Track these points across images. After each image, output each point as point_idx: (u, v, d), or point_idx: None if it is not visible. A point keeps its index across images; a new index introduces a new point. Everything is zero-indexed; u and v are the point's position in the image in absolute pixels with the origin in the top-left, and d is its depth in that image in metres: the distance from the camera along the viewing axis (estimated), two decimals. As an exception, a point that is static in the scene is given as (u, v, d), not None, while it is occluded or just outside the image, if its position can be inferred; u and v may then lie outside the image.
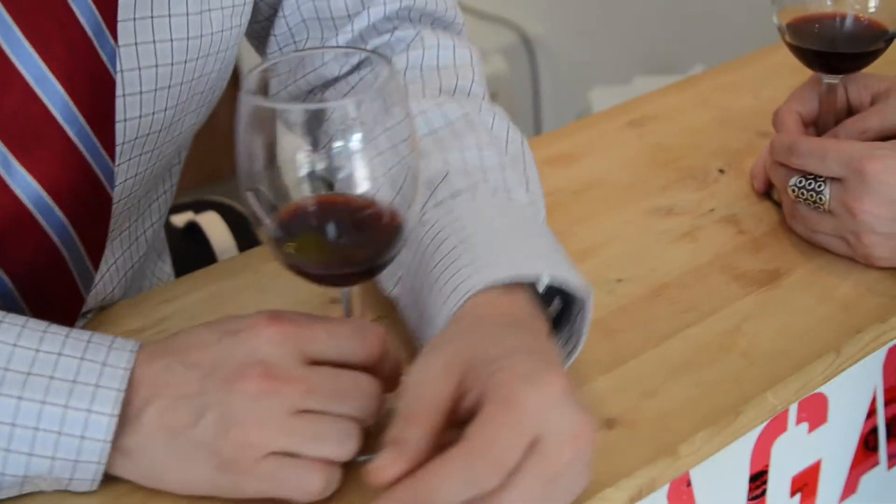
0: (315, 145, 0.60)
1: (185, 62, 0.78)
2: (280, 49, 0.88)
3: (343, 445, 0.63)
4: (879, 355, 0.88)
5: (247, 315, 0.67)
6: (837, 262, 0.86)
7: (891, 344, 0.83)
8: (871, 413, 0.90)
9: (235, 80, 0.84)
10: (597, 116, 1.12)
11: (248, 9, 0.83)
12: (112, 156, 0.75)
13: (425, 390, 0.58)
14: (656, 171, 1.00)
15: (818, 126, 0.92)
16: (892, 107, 0.89)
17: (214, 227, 1.21)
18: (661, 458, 0.69)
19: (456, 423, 0.58)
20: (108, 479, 0.65)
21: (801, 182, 0.86)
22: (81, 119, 0.71)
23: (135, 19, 0.74)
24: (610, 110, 1.12)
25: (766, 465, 0.83)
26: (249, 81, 0.61)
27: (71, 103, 0.70)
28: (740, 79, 1.15)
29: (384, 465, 0.56)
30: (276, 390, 0.62)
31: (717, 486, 0.80)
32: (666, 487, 0.75)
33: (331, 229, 0.63)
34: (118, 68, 0.74)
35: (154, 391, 0.64)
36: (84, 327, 0.80)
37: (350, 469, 0.65)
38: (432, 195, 0.73)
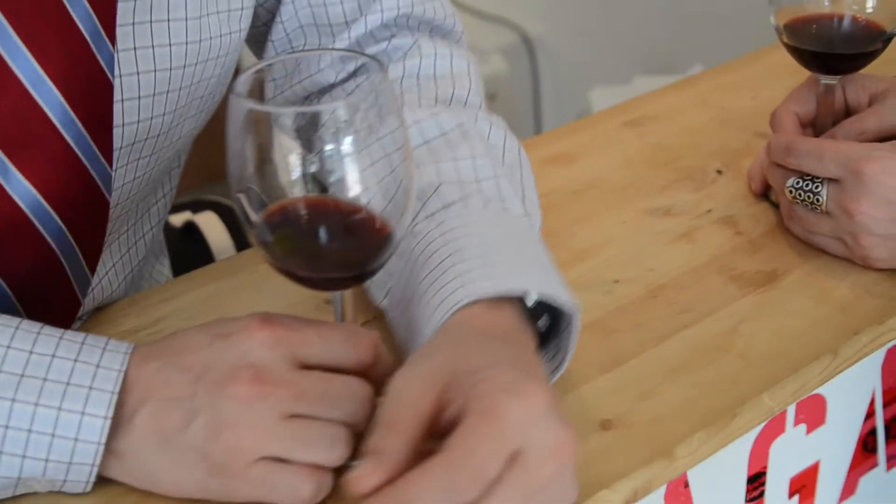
0: (309, 149, 0.60)
1: (184, 67, 0.77)
2: (277, 55, 0.88)
3: (333, 451, 0.62)
4: (878, 356, 0.88)
5: (239, 318, 0.66)
6: (835, 264, 0.86)
7: (889, 345, 0.83)
8: (870, 414, 0.90)
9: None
10: (596, 116, 1.12)
11: (249, 13, 0.83)
12: (109, 160, 0.74)
13: (406, 400, 0.58)
14: (655, 171, 1.00)
15: (816, 127, 0.92)
16: (890, 108, 0.89)
17: (212, 227, 1.21)
18: (657, 460, 0.69)
19: (438, 435, 0.57)
20: (102, 481, 0.65)
21: (798, 183, 0.85)
22: (78, 123, 0.71)
23: (133, 24, 0.74)
24: (609, 110, 1.12)
25: (765, 467, 0.83)
26: (240, 84, 0.60)
27: (68, 107, 0.70)
28: (739, 79, 1.15)
29: (363, 476, 0.55)
30: (267, 394, 0.62)
31: (714, 487, 0.80)
32: (663, 489, 0.75)
33: (319, 233, 0.62)
34: (116, 73, 0.73)
35: (147, 394, 0.63)
36: (80, 327, 0.80)
37: (342, 474, 0.64)
38: (423, 207, 0.73)
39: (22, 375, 0.63)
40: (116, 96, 0.74)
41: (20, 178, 0.70)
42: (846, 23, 0.87)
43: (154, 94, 0.77)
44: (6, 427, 0.62)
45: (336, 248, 0.62)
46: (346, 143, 0.60)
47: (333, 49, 0.86)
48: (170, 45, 0.76)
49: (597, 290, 0.84)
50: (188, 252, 1.17)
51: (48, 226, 0.72)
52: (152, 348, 0.66)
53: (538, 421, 0.57)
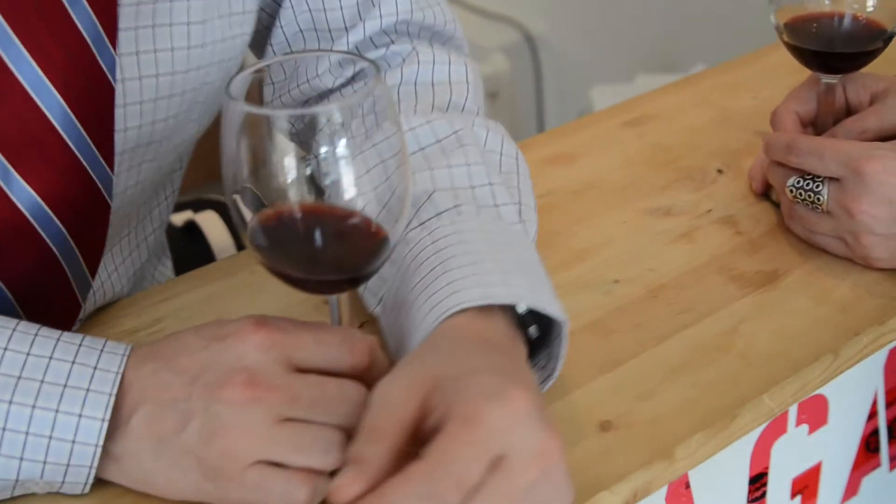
0: (304, 153, 0.60)
1: (187, 71, 0.77)
2: (273, 57, 0.88)
3: (328, 455, 0.62)
4: (880, 357, 0.88)
5: (234, 320, 0.66)
6: (836, 264, 0.86)
7: (891, 346, 0.83)
8: (873, 415, 0.90)
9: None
10: (596, 115, 1.12)
11: (252, 17, 0.83)
12: (111, 164, 0.74)
13: (388, 407, 0.57)
14: (655, 170, 0.99)
15: (816, 126, 0.92)
16: (891, 107, 0.88)
17: (213, 226, 1.21)
18: (657, 461, 0.69)
19: (421, 442, 0.57)
20: (100, 482, 0.65)
21: (798, 182, 0.85)
22: (80, 127, 0.71)
23: (136, 28, 0.74)
24: (609, 109, 1.11)
25: (766, 467, 0.83)
26: (234, 87, 0.60)
27: (69, 112, 0.70)
28: (740, 78, 1.14)
29: (344, 484, 0.55)
30: (260, 398, 0.62)
31: (716, 488, 0.79)
32: (664, 490, 0.75)
33: (313, 236, 0.62)
34: (118, 77, 0.73)
35: (142, 396, 0.63)
36: (79, 328, 0.80)
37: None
38: (416, 214, 0.73)
39: (19, 378, 0.63)
40: (119, 101, 0.74)
41: (21, 183, 0.70)
42: (847, 21, 0.87)
43: (156, 99, 0.76)
44: (3, 429, 0.62)
45: (330, 252, 0.62)
46: (341, 147, 0.59)
47: (330, 51, 0.86)
48: (172, 49, 0.76)
49: (597, 290, 0.84)
50: (189, 251, 1.17)
51: (49, 229, 0.72)
52: (149, 350, 0.66)
53: (520, 425, 0.56)
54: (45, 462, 0.63)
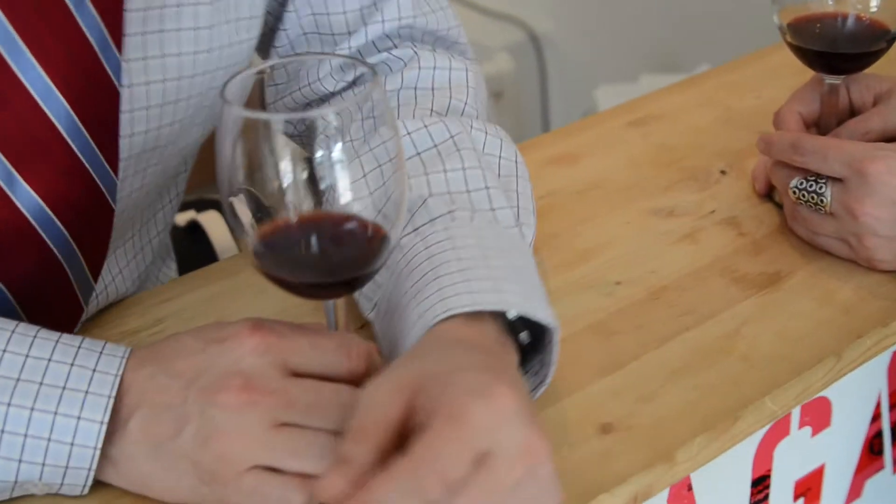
0: (300, 157, 0.60)
1: (194, 76, 0.77)
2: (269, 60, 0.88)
3: (323, 460, 0.61)
4: (884, 359, 0.88)
5: (232, 323, 0.66)
6: (839, 265, 0.85)
7: (894, 348, 0.83)
8: (876, 417, 0.90)
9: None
10: (600, 116, 1.12)
11: (259, 22, 0.83)
12: (115, 169, 0.74)
13: (374, 408, 0.57)
14: (658, 171, 0.99)
15: (820, 127, 0.91)
16: (895, 107, 0.88)
17: (216, 226, 1.21)
18: (658, 464, 0.69)
19: (409, 441, 0.57)
20: (99, 483, 0.65)
21: (801, 184, 0.85)
22: (85, 132, 0.71)
23: (144, 33, 0.74)
24: (613, 109, 1.11)
25: (769, 470, 0.82)
26: (229, 91, 0.60)
27: (74, 117, 0.70)
28: (743, 78, 1.14)
29: (329, 483, 0.55)
30: (256, 402, 0.62)
31: (718, 490, 0.79)
32: (666, 492, 0.75)
33: (309, 243, 0.62)
34: (125, 82, 0.73)
35: (140, 399, 0.63)
36: (80, 328, 0.80)
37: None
38: (411, 220, 0.73)
39: (18, 379, 0.63)
40: (125, 106, 0.74)
41: (25, 187, 0.69)
42: (850, 22, 0.86)
43: (163, 104, 0.77)
44: (2, 431, 0.62)
45: (325, 259, 0.62)
46: (337, 151, 0.59)
47: (330, 55, 0.86)
48: (180, 54, 0.76)
49: (598, 291, 0.83)
50: (192, 251, 1.17)
51: (51, 233, 0.72)
52: (147, 353, 0.66)
53: (505, 423, 0.56)
54: (43, 464, 0.63)
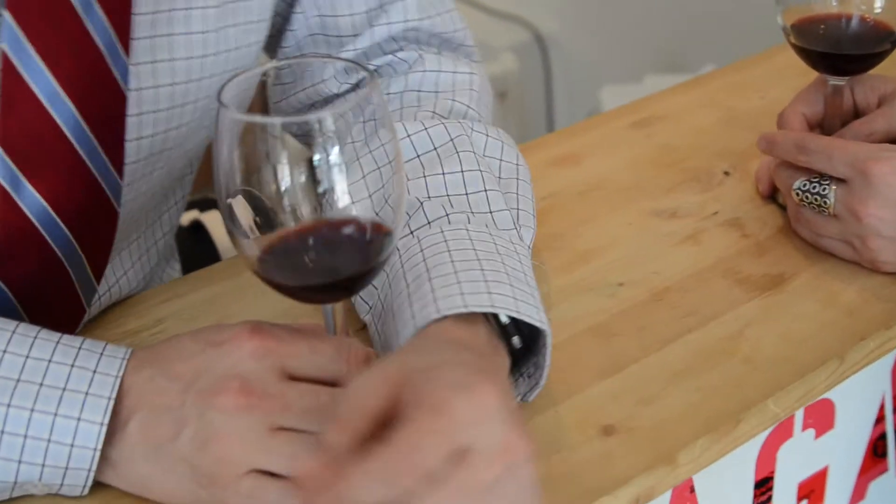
0: (298, 159, 0.60)
1: (202, 79, 0.77)
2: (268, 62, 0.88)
3: None
4: (888, 361, 0.87)
5: (231, 326, 0.66)
6: (842, 267, 0.85)
7: (897, 350, 0.82)
8: (880, 419, 0.90)
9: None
10: (603, 116, 1.12)
11: (266, 24, 0.83)
12: (120, 172, 0.74)
13: (358, 399, 0.56)
14: (661, 172, 0.99)
15: (824, 128, 0.91)
16: (900, 109, 0.88)
17: (219, 225, 1.21)
18: (660, 466, 0.68)
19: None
20: (99, 485, 0.65)
21: (805, 185, 0.84)
22: (91, 136, 0.71)
23: (152, 37, 0.74)
24: (617, 110, 1.11)
25: (772, 472, 0.82)
26: (226, 95, 0.60)
27: (81, 120, 0.70)
28: (747, 79, 1.14)
29: (307, 468, 0.55)
30: (253, 406, 0.62)
31: (721, 492, 0.79)
32: (668, 494, 0.74)
33: (306, 248, 0.61)
34: (134, 86, 0.73)
35: (139, 401, 0.63)
36: (82, 327, 0.79)
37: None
38: (408, 222, 0.73)
39: (18, 380, 0.63)
40: (133, 110, 0.74)
41: (31, 190, 0.69)
42: (854, 23, 0.86)
43: (171, 108, 0.77)
44: (2, 432, 0.62)
45: (323, 264, 0.62)
46: (335, 154, 0.59)
47: (332, 57, 0.86)
48: (189, 58, 0.76)
49: (600, 292, 0.83)
50: (195, 251, 1.17)
51: (56, 236, 0.72)
52: (146, 354, 0.66)
53: (486, 418, 0.55)
54: (43, 465, 0.63)
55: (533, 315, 0.67)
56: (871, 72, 0.89)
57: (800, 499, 0.86)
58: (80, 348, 0.65)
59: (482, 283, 0.67)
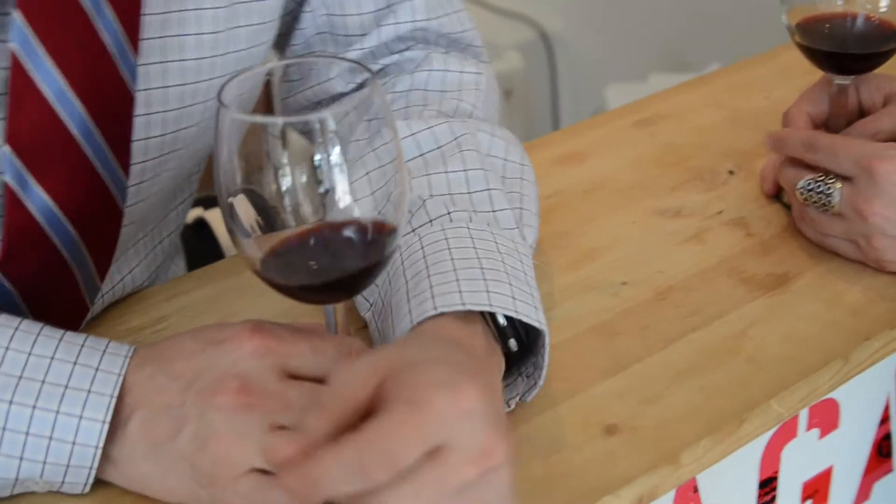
0: (299, 159, 0.59)
1: (212, 79, 0.77)
2: (265, 62, 0.88)
3: None
4: (892, 361, 0.87)
5: (232, 324, 0.66)
6: (847, 267, 0.85)
7: (902, 350, 0.82)
8: (885, 419, 0.89)
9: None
10: (607, 115, 1.11)
11: (276, 24, 0.83)
12: (126, 172, 0.74)
13: (341, 385, 0.56)
14: (665, 171, 0.99)
15: (829, 128, 0.91)
16: (905, 108, 0.87)
17: (222, 223, 1.20)
18: (663, 466, 0.68)
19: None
20: (100, 483, 0.65)
21: (809, 184, 0.84)
22: (98, 137, 0.71)
23: (162, 37, 0.74)
24: (621, 109, 1.11)
25: (776, 471, 0.82)
26: (226, 95, 0.59)
27: (89, 121, 0.70)
28: (752, 78, 1.14)
29: (280, 448, 0.54)
30: (253, 405, 0.61)
31: (725, 491, 0.79)
32: (672, 493, 0.74)
33: (308, 250, 0.61)
34: (143, 86, 0.73)
35: (139, 400, 0.63)
36: (85, 324, 0.79)
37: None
38: (410, 220, 0.73)
39: (20, 377, 0.63)
40: (140, 110, 0.74)
41: (37, 190, 0.69)
42: (859, 22, 0.86)
43: (181, 108, 0.77)
44: (3, 429, 0.62)
45: (325, 266, 0.61)
46: (336, 154, 0.59)
47: (331, 56, 0.86)
48: (198, 58, 0.76)
49: (604, 291, 0.83)
50: (199, 248, 1.17)
51: (60, 235, 0.72)
52: (148, 352, 0.66)
53: (466, 418, 0.55)
54: (44, 462, 0.62)
55: (531, 315, 0.67)
56: (877, 71, 0.89)
57: (804, 499, 0.86)
58: (82, 346, 0.65)
59: (481, 282, 0.67)
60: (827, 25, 0.87)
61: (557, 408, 0.72)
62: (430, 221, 0.72)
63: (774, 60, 1.17)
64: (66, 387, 0.63)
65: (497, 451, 0.55)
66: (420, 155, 0.77)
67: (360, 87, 0.86)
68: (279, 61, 0.86)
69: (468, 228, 0.72)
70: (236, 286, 0.85)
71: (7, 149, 0.67)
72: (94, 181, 0.72)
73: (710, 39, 2.27)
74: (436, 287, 0.66)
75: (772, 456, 0.81)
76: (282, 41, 0.90)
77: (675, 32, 2.36)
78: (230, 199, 0.60)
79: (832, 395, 0.80)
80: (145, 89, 0.74)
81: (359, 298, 0.75)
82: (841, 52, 0.87)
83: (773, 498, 0.83)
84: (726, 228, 0.90)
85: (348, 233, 0.61)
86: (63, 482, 0.64)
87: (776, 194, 0.93)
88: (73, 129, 0.69)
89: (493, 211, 0.74)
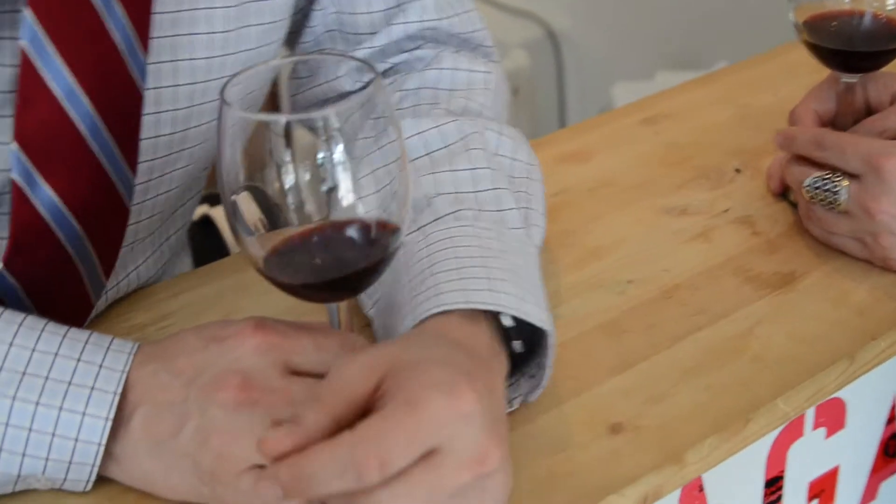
0: (302, 157, 0.59)
1: (222, 78, 0.77)
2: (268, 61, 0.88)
3: None
4: (899, 360, 0.87)
5: (235, 321, 0.66)
6: (854, 266, 0.84)
7: (909, 350, 0.81)
8: (891, 419, 0.89)
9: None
10: (613, 113, 1.11)
11: (286, 22, 0.83)
12: (134, 171, 0.74)
13: (340, 380, 0.56)
14: (671, 169, 0.98)
15: (836, 126, 0.90)
16: (913, 106, 0.87)
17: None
18: (668, 465, 0.68)
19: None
20: (102, 480, 0.65)
21: (816, 182, 0.84)
22: (106, 135, 0.71)
23: (172, 36, 0.73)
24: (627, 107, 1.11)
25: (782, 471, 0.82)
26: (229, 93, 0.59)
27: (97, 119, 0.70)
28: (759, 76, 1.13)
29: (274, 440, 0.54)
30: (255, 402, 0.61)
31: (730, 491, 0.78)
32: (678, 492, 0.74)
33: (312, 250, 0.61)
34: (153, 85, 0.73)
35: (142, 397, 0.63)
36: (89, 321, 0.79)
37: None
38: (416, 218, 0.73)
39: (24, 373, 0.63)
40: (150, 109, 0.74)
41: (44, 188, 0.69)
42: (866, 20, 0.85)
43: (191, 106, 0.77)
44: (6, 425, 0.62)
45: (328, 265, 0.61)
46: (339, 152, 0.58)
47: (338, 54, 0.86)
48: (208, 57, 0.76)
49: (610, 290, 0.83)
50: (204, 245, 1.17)
51: (67, 232, 0.72)
52: (151, 349, 0.65)
53: (462, 422, 0.55)
54: (47, 459, 0.62)
55: (537, 316, 0.67)
56: (884, 69, 0.89)
57: (810, 498, 0.86)
58: (86, 342, 0.64)
59: (485, 281, 0.67)
60: (834, 23, 0.86)
61: (562, 406, 0.72)
62: (436, 219, 0.72)
63: (781, 58, 1.16)
64: (70, 383, 0.63)
65: (492, 456, 0.55)
66: (427, 153, 0.77)
67: (368, 85, 0.86)
68: (283, 59, 0.86)
69: (474, 227, 0.71)
70: (240, 283, 0.85)
71: (15, 146, 0.67)
72: (101, 179, 0.72)
73: (716, 37, 2.26)
74: (441, 285, 0.66)
75: (778, 455, 0.81)
76: (291, 38, 0.90)
77: (681, 30, 2.36)
78: (233, 198, 0.59)
79: (839, 394, 0.80)
80: (155, 88, 0.74)
81: (362, 296, 0.75)
82: (848, 49, 0.87)
83: (779, 497, 0.83)
84: (732, 227, 0.90)
85: (351, 231, 0.60)
86: (65, 479, 0.63)
87: (783, 193, 0.93)
88: (81, 127, 0.69)
89: (500, 210, 0.74)
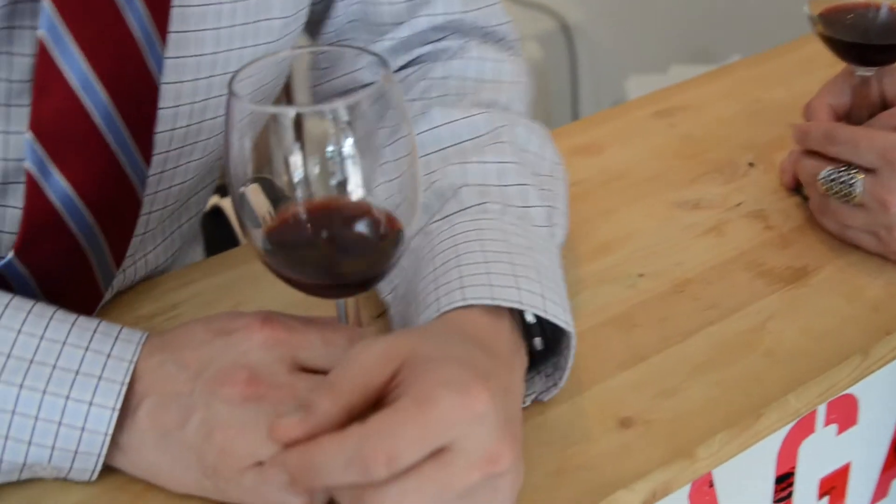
0: (312, 151, 0.59)
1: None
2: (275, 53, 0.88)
3: None
4: (913, 356, 0.86)
5: (244, 314, 0.65)
6: (868, 261, 0.84)
7: (923, 346, 0.81)
8: (904, 416, 0.88)
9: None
10: (626, 106, 1.11)
11: (304, 13, 0.83)
12: (148, 162, 0.74)
13: (355, 367, 0.56)
14: (684, 162, 0.98)
15: (851, 119, 0.90)
16: (928, 100, 0.86)
17: (238, 211, 1.20)
18: (678, 460, 0.67)
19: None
20: (107, 470, 0.64)
21: (832, 175, 0.83)
22: (121, 126, 0.71)
23: (190, 31, 0.73)
24: (640, 99, 1.10)
25: (793, 467, 0.81)
26: (238, 85, 0.59)
27: (113, 110, 0.70)
28: (772, 70, 1.13)
29: (285, 427, 0.54)
30: (260, 397, 0.61)
31: (741, 487, 0.78)
32: (687, 487, 0.73)
33: (320, 246, 0.60)
34: (172, 78, 0.73)
35: (149, 388, 0.63)
36: (98, 310, 0.79)
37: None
38: (441, 207, 0.72)
39: (31, 361, 0.62)
40: (169, 102, 0.74)
41: (58, 177, 0.69)
42: (882, 13, 0.85)
43: (207, 99, 0.77)
44: (13, 412, 0.62)
45: (337, 262, 0.61)
46: (349, 146, 0.58)
47: (356, 48, 0.86)
48: (227, 50, 0.76)
49: (621, 283, 0.82)
50: (214, 235, 1.17)
51: (78, 222, 0.72)
52: (159, 340, 0.65)
53: (474, 422, 0.54)
54: (53, 447, 0.62)
55: (560, 316, 0.66)
56: (901, 63, 0.88)
57: (821, 495, 0.85)
58: (95, 331, 0.64)
59: (511, 277, 0.66)
60: (850, 16, 0.86)
61: (573, 400, 0.71)
62: (463, 210, 0.71)
63: (796, 52, 1.16)
64: (78, 372, 0.62)
65: (504, 457, 0.55)
66: (456, 143, 0.76)
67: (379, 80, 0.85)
68: (293, 50, 0.85)
69: (501, 221, 0.71)
70: (250, 274, 0.85)
71: (30, 135, 0.67)
72: (114, 169, 0.72)
73: (730, 30, 2.25)
74: (466, 277, 0.65)
75: (789, 451, 0.80)
76: (313, 29, 0.90)
77: (695, 23, 2.35)
78: (241, 189, 0.59)
79: (851, 390, 0.80)
80: (177, 82, 0.74)
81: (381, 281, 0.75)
82: (864, 42, 0.86)
83: (790, 494, 0.82)
84: (745, 221, 0.89)
85: (361, 227, 0.60)
86: (71, 468, 0.63)
87: (796, 187, 0.92)
88: (96, 117, 0.69)
89: (526, 206, 0.73)
